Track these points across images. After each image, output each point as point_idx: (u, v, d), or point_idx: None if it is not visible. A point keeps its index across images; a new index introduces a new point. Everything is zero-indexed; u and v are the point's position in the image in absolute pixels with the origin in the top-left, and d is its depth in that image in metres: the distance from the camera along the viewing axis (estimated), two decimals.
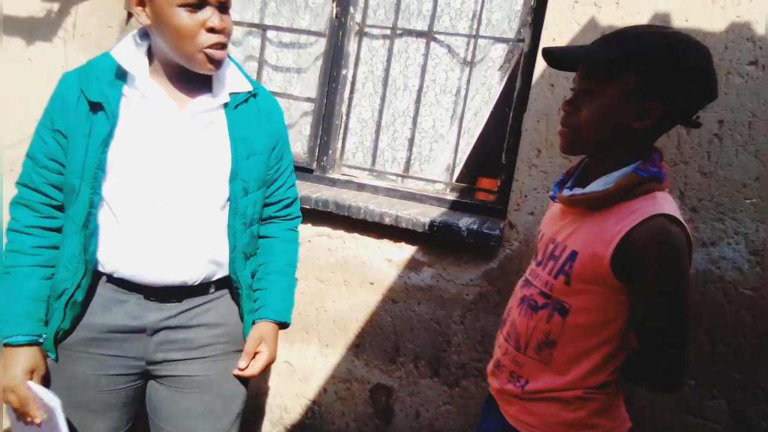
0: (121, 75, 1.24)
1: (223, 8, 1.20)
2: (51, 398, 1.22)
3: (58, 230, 1.29)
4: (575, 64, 1.15)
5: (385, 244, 2.06)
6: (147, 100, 1.24)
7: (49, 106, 1.27)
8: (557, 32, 1.81)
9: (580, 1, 1.79)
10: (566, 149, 1.14)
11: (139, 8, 1.18)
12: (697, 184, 1.70)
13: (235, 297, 1.39)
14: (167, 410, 1.35)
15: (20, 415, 1.25)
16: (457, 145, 2.11)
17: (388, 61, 2.19)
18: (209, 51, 1.18)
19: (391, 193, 2.16)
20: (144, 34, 1.29)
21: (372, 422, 2.13)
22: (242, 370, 1.37)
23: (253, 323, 1.40)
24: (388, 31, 2.20)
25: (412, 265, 2.02)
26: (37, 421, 1.22)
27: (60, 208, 1.29)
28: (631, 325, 1.08)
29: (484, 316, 1.94)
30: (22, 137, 2.49)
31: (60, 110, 1.24)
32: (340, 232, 2.12)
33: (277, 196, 1.45)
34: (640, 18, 1.72)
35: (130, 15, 2.32)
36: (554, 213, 1.24)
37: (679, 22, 1.70)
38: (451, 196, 2.11)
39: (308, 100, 2.28)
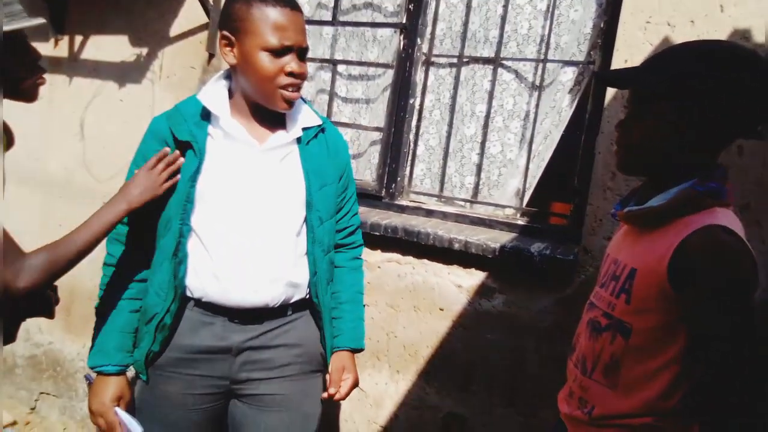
0: (206, 116, 1.35)
1: (302, 55, 1.32)
2: (135, 426, 1.31)
3: (147, 264, 1.39)
4: (626, 85, 1.15)
5: (455, 270, 2.06)
6: (230, 138, 1.34)
7: (142, 148, 1.40)
8: (629, 54, 1.78)
9: (653, 20, 1.76)
10: (621, 168, 1.17)
11: (227, 49, 1.31)
12: None
13: (317, 321, 1.46)
14: (249, 428, 1.41)
15: None
16: (527, 169, 2.09)
17: (455, 88, 2.22)
18: (284, 92, 1.30)
19: (459, 218, 2.16)
20: (226, 76, 1.40)
21: None
22: (332, 396, 1.41)
23: (332, 352, 1.47)
24: (454, 60, 2.23)
25: (483, 291, 2.00)
26: None
27: (150, 241, 1.39)
28: (693, 341, 1.02)
29: (560, 344, 1.88)
30: (115, 171, 2.69)
31: (152, 151, 1.36)
32: (410, 258, 2.14)
33: (342, 223, 1.53)
34: (718, 35, 1.67)
35: (211, 56, 2.47)
36: (620, 234, 1.24)
37: (760, 37, 1.63)
38: (522, 221, 2.09)
39: (377, 129, 2.34)
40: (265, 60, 1.27)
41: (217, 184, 1.33)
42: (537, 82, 2.10)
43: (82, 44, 2.78)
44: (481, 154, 2.19)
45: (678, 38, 1.71)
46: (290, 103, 1.33)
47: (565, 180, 2.04)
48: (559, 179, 2.21)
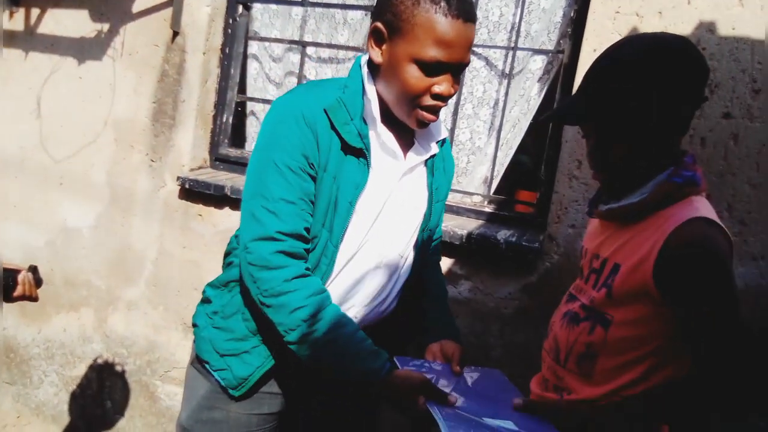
0: (364, 117, 1.17)
1: (459, 71, 1.14)
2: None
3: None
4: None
5: None
6: (383, 148, 1.19)
7: (297, 137, 1.13)
8: (598, 43, 1.79)
9: (622, 11, 1.77)
10: (608, 190, 1.16)
11: (376, 45, 1.13)
12: (746, 197, 1.65)
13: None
14: None
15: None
16: (495, 157, 2.10)
17: None
18: (422, 113, 1.13)
19: None
20: (368, 73, 1.19)
21: None
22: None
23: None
24: None
25: (449, 277, 2.00)
26: (453, 400, 1.10)
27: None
28: (682, 338, 1.05)
29: (524, 330, 1.90)
30: (73, 150, 2.60)
31: (312, 144, 1.13)
32: None
33: (437, 233, 1.45)
34: (684, 28, 1.69)
35: (175, 34, 2.39)
36: (595, 227, 1.24)
37: (725, 30, 1.66)
38: (489, 209, 2.09)
39: None
40: (413, 74, 1.08)
41: (368, 202, 1.18)
42: (507, 70, 2.10)
43: (39, 17, 2.66)
44: (451, 141, 2.18)
45: (646, 29, 1.73)
46: (423, 125, 1.17)
47: (532, 168, 2.05)
48: (527, 167, 2.22)
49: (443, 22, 1.05)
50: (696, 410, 1.06)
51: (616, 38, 1.77)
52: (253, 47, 2.48)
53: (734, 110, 1.65)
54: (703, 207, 1.05)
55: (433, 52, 1.06)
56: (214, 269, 2.09)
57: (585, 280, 1.18)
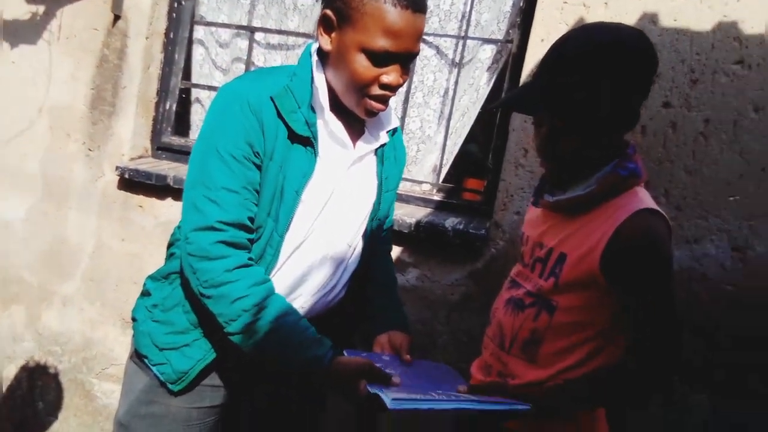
0: (312, 105, 1.16)
1: (409, 61, 1.14)
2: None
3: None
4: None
5: None
6: (331, 137, 1.18)
7: (242, 125, 1.11)
8: (545, 33, 1.81)
9: (569, 1, 1.79)
10: (555, 179, 1.18)
11: (325, 32, 1.12)
12: (682, 183, 1.70)
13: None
14: None
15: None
16: (444, 145, 2.09)
17: None
18: (371, 102, 1.13)
19: None
20: (317, 61, 1.18)
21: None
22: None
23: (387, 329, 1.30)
24: None
25: (398, 265, 1.98)
26: (397, 381, 1.08)
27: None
28: (626, 326, 1.07)
29: (470, 317, 1.90)
30: (4, 140, 2.45)
31: (257, 132, 1.11)
32: None
33: (387, 222, 1.44)
34: (629, 18, 1.72)
35: (116, 18, 2.30)
36: (536, 215, 1.24)
37: (667, 21, 1.70)
38: (438, 197, 2.09)
39: None
40: (361, 63, 1.08)
41: (315, 192, 1.17)
42: (457, 59, 2.10)
43: None
44: (401, 129, 2.16)
45: (592, 19, 1.75)
46: (372, 114, 1.16)
47: (480, 157, 2.06)
48: (475, 156, 2.23)
49: (392, 12, 1.05)
50: (638, 393, 1.09)
51: (564, 28, 1.79)
52: (199, 32, 2.41)
53: (673, 99, 1.70)
54: (645, 197, 1.08)
55: (381, 42, 1.06)
56: (155, 262, 2.01)
57: (530, 268, 1.18)
